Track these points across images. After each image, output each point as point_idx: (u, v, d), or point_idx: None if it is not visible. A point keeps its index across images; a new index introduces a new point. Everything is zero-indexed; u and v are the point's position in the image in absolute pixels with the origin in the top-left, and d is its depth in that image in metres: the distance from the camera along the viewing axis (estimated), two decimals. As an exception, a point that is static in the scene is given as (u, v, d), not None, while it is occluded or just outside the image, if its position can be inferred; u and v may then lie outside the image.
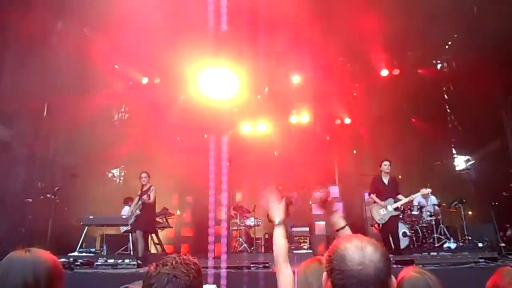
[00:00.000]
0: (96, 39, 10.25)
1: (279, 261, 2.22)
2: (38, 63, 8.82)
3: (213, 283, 4.48)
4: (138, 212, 8.72)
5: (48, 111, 10.42)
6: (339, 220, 2.37)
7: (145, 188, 8.93)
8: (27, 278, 1.54)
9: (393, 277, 1.39)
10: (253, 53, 10.11)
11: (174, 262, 1.57)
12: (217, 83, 12.51)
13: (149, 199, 8.73)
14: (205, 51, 9.93)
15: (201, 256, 8.36)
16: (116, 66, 11.60)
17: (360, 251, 1.36)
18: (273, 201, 2.41)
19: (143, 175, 9.04)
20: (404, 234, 8.98)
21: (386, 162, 8.35)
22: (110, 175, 13.40)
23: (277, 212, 2.38)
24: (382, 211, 8.13)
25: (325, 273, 1.42)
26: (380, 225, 8.18)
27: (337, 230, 2.39)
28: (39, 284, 1.55)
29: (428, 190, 8.58)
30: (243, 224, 10.64)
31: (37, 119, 10.28)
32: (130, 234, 9.09)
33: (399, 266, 5.67)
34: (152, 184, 8.98)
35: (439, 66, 12.15)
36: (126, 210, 9.98)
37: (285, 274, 2.15)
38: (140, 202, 8.77)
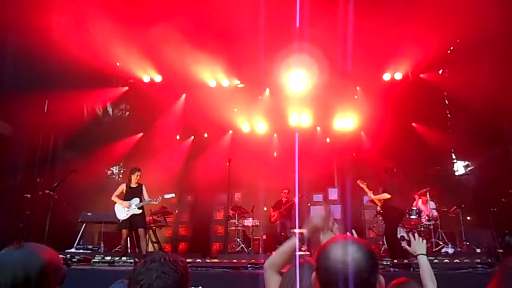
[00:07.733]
0: (98, 36, 10.25)
1: (274, 269, 2.16)
2: (40, 59, 8.81)
3: (209, 283, 4.47)
4: (140, 211, 8.13)
5: (49, 107, 10.43)
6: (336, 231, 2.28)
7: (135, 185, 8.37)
8: (17, 275, 1.49)
9: (381, 277, 1.40)
10: (252, 55, 10.11)
11: (162, 259, 1.58)
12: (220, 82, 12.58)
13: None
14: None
15: (198, 256, 8.44)
16: (118, 64, 11.58)
17: (343, 249, 1.38)
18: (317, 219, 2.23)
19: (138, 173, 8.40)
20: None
21: None
22: (109, 172, 13.38)
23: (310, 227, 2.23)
24: None
25: (314, 272, 1.44)
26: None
27: None
28: (29, 281, 1.50)
29: None
30: (241, 225, 10.63)
31: (38, 115, 10.28)
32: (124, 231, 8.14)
33: (396, 269, 5.67)
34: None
35: (440, 71, 12.12)
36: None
37: (274, 280, 2.13)
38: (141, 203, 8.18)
